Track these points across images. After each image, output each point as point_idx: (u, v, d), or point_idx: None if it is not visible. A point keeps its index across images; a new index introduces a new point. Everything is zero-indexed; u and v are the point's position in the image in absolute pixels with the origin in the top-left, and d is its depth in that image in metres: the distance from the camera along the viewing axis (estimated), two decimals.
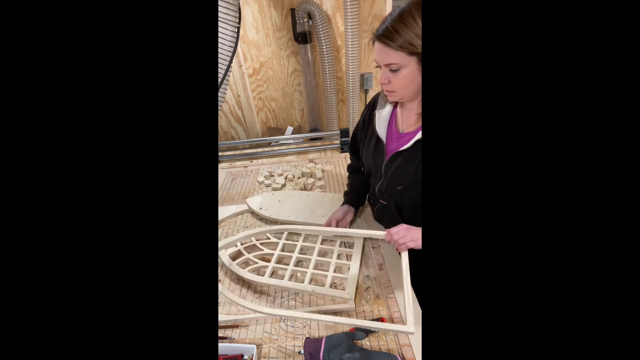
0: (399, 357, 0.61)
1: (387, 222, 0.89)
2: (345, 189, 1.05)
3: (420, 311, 0.71)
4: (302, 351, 0.64)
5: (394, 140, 0.78)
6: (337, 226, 0.91)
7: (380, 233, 0.77)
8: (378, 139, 0.80)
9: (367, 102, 0.89)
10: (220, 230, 1.04)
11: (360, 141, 0.90)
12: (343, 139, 1.42)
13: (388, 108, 0.79)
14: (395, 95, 0.69)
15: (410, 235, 0.70)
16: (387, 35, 0.60)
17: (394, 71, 0.63)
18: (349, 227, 0.96)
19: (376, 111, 0.80)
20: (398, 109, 0.79)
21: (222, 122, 1.84)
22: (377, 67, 0.67)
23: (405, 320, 0.61)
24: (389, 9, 1.51)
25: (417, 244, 0.69)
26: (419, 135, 0.70)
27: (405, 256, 0.71)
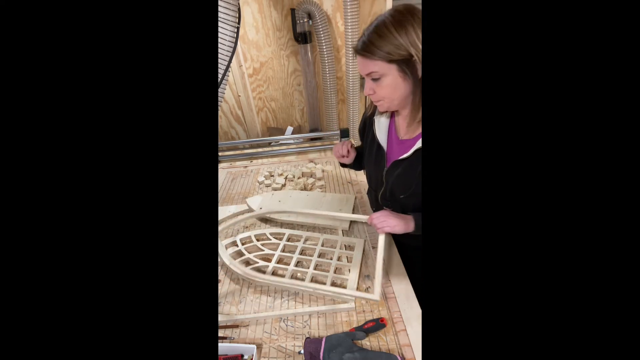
0: (399, 357, 0.61)
1: None
2: (345, 188, 1.05)
3: (419, 311, 0.71)
4: (302, 351, 0.64)
5: (394, 148, 0.78)
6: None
7: (363, 217, 0.85)
8: (379, 146, 0.80)
9: (366, 103, 0.89)
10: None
11: (362, 144, 0.90)
12: (343, 139, 1.42)
13: (386, 114, 0.79)
14: (383, 104, 0.69)
15: (388, 222, 0.76)
16: (365, 48, 0.62)
17: (376, 80, 0.65)
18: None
19: (375, 117, 0.80)
20: (396, 116, 0.79)
21: (222, 122, 1.84)
22: (362, 79, 0.68)
23: (374, 291, 0.73)
24: (388, 8, 1.51)
25: (394, 229, 0.76)
26: (418, 144, 0.70)
27: (381, 238, 0.81)
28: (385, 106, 0.70)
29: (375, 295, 0.72)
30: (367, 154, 0.86)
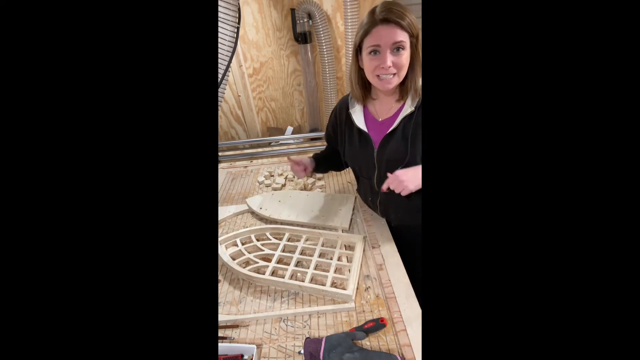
0: (399, 357, 0.61)
1: (394, 211, 0.91)
2: (345, 188, 1.07)
3: (419, 310, 0.71)
4: (302, 351, 0.64)
5: (376, 130, 0.83)
6: (297, 163, 0.95)
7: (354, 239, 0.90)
8: (361, 132, 0.83)
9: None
10: (220, 231, 1.04)
11: (339, 144, 0.94)
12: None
13: (358, 106, 0.85)
14: (394, 80, 0.73)
15: (403, 182, 0.71)
16: (398, 15, 0.66)
17: (397, 51, 0.69)
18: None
19: (350, 110, 0.85)
20: (371, 104, 0.85)
21: (222, 122, 1.84)
22: (372, 52, 0.70)
23: (352, 291, 0.75)
24: None
25: (416, 185, 0.72)
26: (402, 114, 0.76)
27: (359, 247, 0.86)
28: (396, 81, 0.73)
29: (349, 291, 0.74)
30: (348, 149, 0.89)
